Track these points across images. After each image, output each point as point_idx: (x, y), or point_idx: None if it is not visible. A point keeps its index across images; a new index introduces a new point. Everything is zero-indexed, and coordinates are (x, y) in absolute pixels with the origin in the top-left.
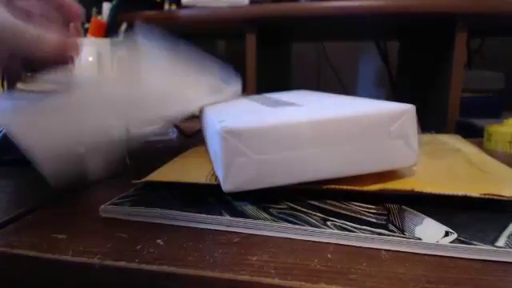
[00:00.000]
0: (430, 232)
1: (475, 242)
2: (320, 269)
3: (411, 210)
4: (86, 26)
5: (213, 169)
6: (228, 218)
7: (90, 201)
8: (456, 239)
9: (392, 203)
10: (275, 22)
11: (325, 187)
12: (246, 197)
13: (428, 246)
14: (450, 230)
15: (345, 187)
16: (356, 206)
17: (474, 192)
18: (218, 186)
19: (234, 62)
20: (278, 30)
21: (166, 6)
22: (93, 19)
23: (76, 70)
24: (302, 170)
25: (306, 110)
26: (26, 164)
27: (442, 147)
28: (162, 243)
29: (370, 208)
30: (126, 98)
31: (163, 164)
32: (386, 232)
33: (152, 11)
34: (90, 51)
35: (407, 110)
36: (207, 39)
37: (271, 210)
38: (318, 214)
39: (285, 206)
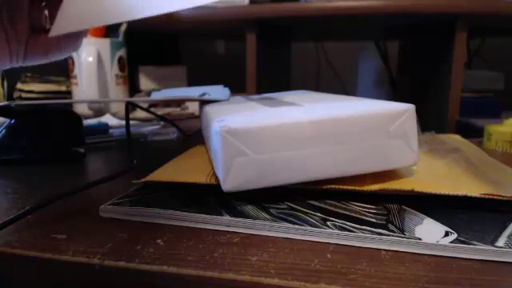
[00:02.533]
0: (430, 232)
1: (475, 242)
2: (320, 269)
3: (411, 210)
4: None
5: (213, 169)
6: (228, 217)
7: (90, 201)
8: (456, 239)
9: (392, 203)
10: (275, 21)
11: (325, 187)
12: (246, 197)
13: (428, 246)
14: (450, 230)
15: (345, 187)
16: (356, 205)
17: (474, 192)
18: (218, 185)
19: (233, 61)
20: (278, 30)
21: None
22: None
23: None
24: (302, 169)
25: (306, 109)
26: (25, 164)
27: (441, 147)
28: (162, 243)
29: (370, 208)
30: None
31: (163, 164)
32: (386, 232)
33: None
34: (90, 51)
35: (407, 109)
36: (207, 39)
37: (271, 210)
38: (318, 214)
39: (285, 206)
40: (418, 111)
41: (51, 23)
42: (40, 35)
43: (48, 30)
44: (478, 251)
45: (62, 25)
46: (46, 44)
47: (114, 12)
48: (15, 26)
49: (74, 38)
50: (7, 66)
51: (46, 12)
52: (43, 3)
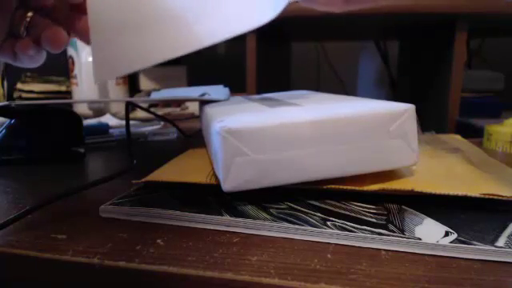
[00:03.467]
0: (430, 232)
1: (475, 242)
2: (320, 269)
3: (411, 210)
4: None
5: (213, 169)
6: (228, 217)
7: (90, 201)
8: (456, 239)
9: (392, 203)
10: (275, 21)
11: (325, 187)
12: (246, 197)
13: (428, 245)
14: (450, 230)
15: (345, 187)
16: (356, 206)
17: (474, 192)
18: (218, 185)
19: (233, 61)
20: (278, 30)
21: None
22: None
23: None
24: (302, 169)
25: (306, 109)
26: (26, 164)
27: (441, 147)
28: (162, 243)
29: (370, 208)
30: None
31: (163, 164)
32: (386, 232)
33: None
34: (90, 51)
35: (407, 109)
36: None
37: (271, 210)
38: (318, 214)
39: (285, 206)
40: (417, 111)
41: (28, 33)
42: (14, 40)
43: (22, 38)
44: (478, 251)
45: (102, 73)
46: (13, 50)
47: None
48: None
49: (37, 54)
50: None
51: (27, 20)
52: (29, 13)
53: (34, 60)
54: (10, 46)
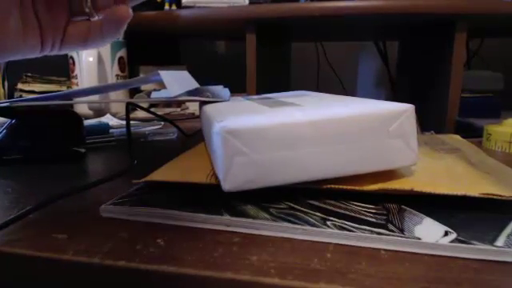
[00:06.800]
0: (430, 232)
1: (474, 242)
2: (320, 268)
3: (411, 209)
4: None
5: (213, 169)
6: (228, 217)
7: (90, 201)
8: (455, 239)
9: (392, 203)
10: (275, 22)
11: (325, 187)
12: (246, 197)
13: (427, 245)
14: (450, 230)
15: (344, 187)
16: (356, 205)
17: (474, 192)
18: (218, 185)
19: (233, 61)
20: (278, 30)
21: (166, 6)
22: None
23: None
24: (302, 169)
25: (306, 110)
26: (26, 164)
27: (441, 147)
28: (162, 243)
29: (370, 208)
30: None
31: (163, 164)
32: (386, 232)
33: (152, 11)
34: (91, 51)
35: (406, 109)
36: (207, 39)
37: (271, 210)
38: (318, 214)
39: (285, 206)
40: (417, 111)
41: (93, 6)
42: (79, 21)
43: (88, 14)
44: (477, 251)
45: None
46: (86, 30)
47: None
48: (52, 11)
49: (115, 23)
50: (38, 55)
51: None
52: None
53: (108, 39)
54: (78, 29)
